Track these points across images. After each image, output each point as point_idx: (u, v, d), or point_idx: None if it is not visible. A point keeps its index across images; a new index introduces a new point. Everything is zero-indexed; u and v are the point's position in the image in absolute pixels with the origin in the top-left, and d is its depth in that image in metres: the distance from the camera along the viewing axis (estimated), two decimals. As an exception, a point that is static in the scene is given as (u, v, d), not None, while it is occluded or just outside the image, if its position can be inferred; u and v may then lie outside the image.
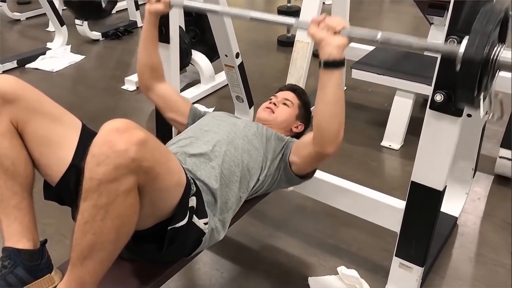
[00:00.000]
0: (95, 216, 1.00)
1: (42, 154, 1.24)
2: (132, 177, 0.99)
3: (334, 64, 1.24)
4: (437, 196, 1.39)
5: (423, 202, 1.42)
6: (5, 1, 4.34)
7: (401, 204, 1.55)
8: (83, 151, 1.23)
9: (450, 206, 1.90)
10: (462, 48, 1.05)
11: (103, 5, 1.74)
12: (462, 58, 1.04)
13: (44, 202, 1.31)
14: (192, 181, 1.26)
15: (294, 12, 3.81)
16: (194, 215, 1.22)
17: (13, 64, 3.51)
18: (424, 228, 1.45)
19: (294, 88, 1.77)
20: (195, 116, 1.66)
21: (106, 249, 1.05)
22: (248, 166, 1.42)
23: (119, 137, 0.97)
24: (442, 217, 1.79)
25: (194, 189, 1.24)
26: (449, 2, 1.21)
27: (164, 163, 1.09)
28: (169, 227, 1.15)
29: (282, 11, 3.97)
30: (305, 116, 1.72)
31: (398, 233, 1.51)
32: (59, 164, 1.24)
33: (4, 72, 3.38)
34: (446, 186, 1.40)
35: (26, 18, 4.63)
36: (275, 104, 1.69)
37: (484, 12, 1.05)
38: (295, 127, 1.69)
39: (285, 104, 1.68)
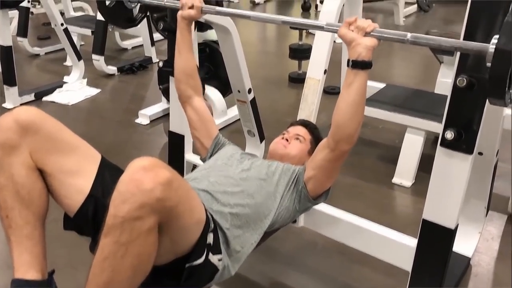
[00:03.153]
0: (115, 253, 1.00)
1: (60, 183, 1.26)
2: (155, 217, 1.00)
3: (363, 65, 1.26)
4: (449, 234, 1.37)
5: (435, 241, 1.40)
6: (26, 37, 4.48)
7: (413, 242, 1.52)
8: (102, 182, 1.26)
9: (462, 245, 1.87)
10: (491, 47, 1.05)
11: (134, 14, 1.80)
12: (494, 52, 1.03)
13: (57, 233, 1.31)
14: (211, 217, 1.26)
15: (306, 50, 3.87)
16: (210, 252, 1.22)
17: (31, 96, 3.59)
18: (436, 267, 1.42)
19: (306, 124, 1.78)
20: (218, 144, 1.68)
21: (122, 286, 1.05)
22: (262, 207, 1.42)
23: (145, 175, 0.99)
24: (455, 257, 1.75)
25: (213, 226, 1.25)
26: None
27: (186, 202, 1.10)
28: (187, 265, 1.15)
29: (293, 49, 4.04)
30: None
31: (410, 272, 1.49)
32: (77, 194, 1.26)
33: (21, 104, 3.45)
34: (458, 224, 1.38)
35: (45, 53, 4.76)
36: (287, 140, 1.70)
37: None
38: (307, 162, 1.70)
39: (297, 139, 1.70)
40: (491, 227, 2.16)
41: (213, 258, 1.23)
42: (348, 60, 1.28)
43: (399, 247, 1.59)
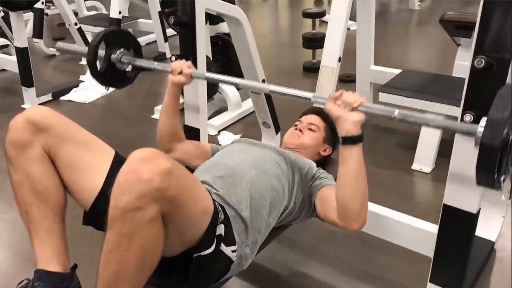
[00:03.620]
0: (119, 245, 1.01)
1: (73, 179, 1.28)
2: (156, 206, 1.00)
3: (353, 140, 1.24)
4: (471, 219, 1.34)
5: (457, 226, 1.38)
6: (41, 38, 4.53)
7: (434, 228, 1.51)
8: (114, 178, 1.27)
9: (486, 230, 1.84)
10: (479, 131, 1.04)
11: (127, 73, 1.80)
12: (480, 142, 1.02)
13: (79, 229, 1.33)
14: (220, 208, 1.26)
15: (320, 38, 3.82)
16: (221, 243, 1.22)
17: (48, 97, 3.64)
18: (459, 253, 1.40)
19: (318, 111, 1.76)
20: (217, 151, 1.67)
21: (130, 278, 1.06)
22: (278, 191, 1.42)
23: (144, 166, 0.99)
24: (478, 242, 1.72)
25: (222, 216, 1.25)
26: (475, 23, 1.20)
27: (190, 191, 1.10)
28: (194, 255, 1.16)
29: (307, 38, 4.00)
30: (332, 138, 1.70)
31: (432, 259, 1.47)
32: (90, 190, 1.27)
33: (39, 104, 3.49)
34: (480, 209, 1.36)
35: (61, 53, 4.81)
36: (300, 130, 1.68)
37: (501, 96, 1.04)
38: (323, 150, 1.69)
39: (310, 129, 1.68)
40: (515, 211, 2.12)
41: (226, 250, 1.24)
42: (338, 137, 1.26)
43: (420, 233, 1.57)
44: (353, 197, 1.26)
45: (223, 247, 1.23)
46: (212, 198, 1.24)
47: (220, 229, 1.23)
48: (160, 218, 1.04)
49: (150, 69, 1.76)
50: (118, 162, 1.29)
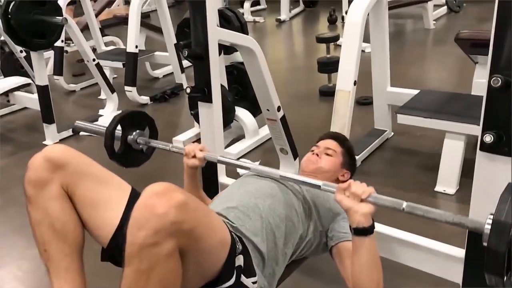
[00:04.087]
0: (137, 282, 1.00)
1: (91, 216, 1.28)
2: (173, 241, 0.99)
3: (364, 232, 1.23)
4: (499, 243, 1.29)
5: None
6: (61, 75, 4.65)
7: (460, 253, 1.45)
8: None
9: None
10: (487, 228, 1.03)
11: (144, 151, 1.83)
12: (487, 246, 1.02)
13: (100, 265, 1.33)
14: (237, 239, 1.24)
15: (334, 62, 3.83)
16: (241, 275, 1.20)
17: (69, 132, 3.70)
18: (489, 278, 1.34)
19: (335, 136, 1.75)
20: None
21: None
22: (293, 221, 1.39)
23: (158, 200, 0.99)
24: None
25: (240, 247, 1.23)
26: (489, 39, 1.18)
27: (206, 223, 1.09)
28: None
29: (321, 62, 4.01)
30: (350, 163, 1.68)
31: (461, 285, 1.41)
32: (108, 226, 1.28)
33: (61, 140, 3.57)
34: (508, 231, 1.30)
35: (81, 89, 4.91)
36: (317, 155, 1.67)
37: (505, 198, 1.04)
38: (341, 175, 1.66)
39: (327, 154, 1.66)
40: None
41: (247, 281, 1.21)
42: (350, 227, 1.26)
43: (446, 258, 1.51)
44: (368, 284, 1.26)
45: (243, 278, 1.21)
46: (228, 229, 1.23)
47: (239, 260, 1.21)
48: (177, 252, 1.03)
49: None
50: (134, 198, 1.29)
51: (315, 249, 1.49)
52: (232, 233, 1.23)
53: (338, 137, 1.74)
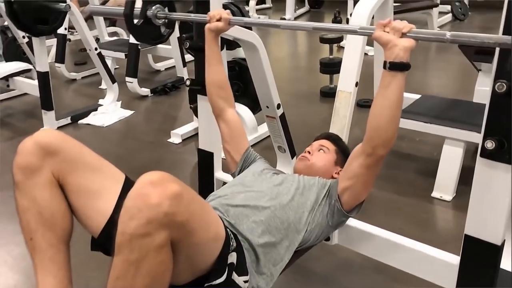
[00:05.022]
0: (126, 272, 0.98)
1: (82, 205, 1.25)
2: (165, 232, 0.97)
3: (401, 66, 1.20)
4: (495, 251, 1.28)
5: (480, 258, 1.31)
6: (63, 63, 4.63)
7: (455, 260, 1.44)
8: None
9: None
10: None
11: (162, 30, 1.83)
12: None
13: (89, 254, 1.30)
14: (232, 236, 1.22)
15: (337, 63, 3.81)
16: (233, 272, 1.18)
17: (67, 120, 3.68)
18: (483, 286, 1.33)
19: (328, 135, 1.76)
20: (248, 159, 1.66)
21: None
22: (294, 222, 1.37)
23: (153, 190, 0.96)
24: (504, 275, 1.64)
25: (234, 244, 1.21)
26: (494, 47, 1.16)
27: (200, 216, 1.07)
28: (206, 284, 1.11)
29: (324, 63, 4.00)
30: (344, 161, 1.67)
31: (454, 292, 1.40)
32: (100, 216, 1.25)
33: (58, 127, 3.54)
34: (504, 240, 1.29)
35: (82, 77, 4.90)
36: (309, 152, 1.66)
37: None
38: (335, 173, 1.65)
39: (321, 150, 1.65)
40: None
41: (238, 279, 1.19)
42: (385, 62, 1.22)
43: (440, 265, 1.50)
44: (389, 122, 1.24)
45: (235, 276, 1.19)
46: (224, 224, 1.21)
47: (232, 258, 1.19)
48: (169, 244, 1.01)
49: (186, 22, 1.79)
50: (128, 187, 1.27)
51: (322, 235, 1.47)
52: (228, 230, 1.21)
53: (330, 136, 1.75)
